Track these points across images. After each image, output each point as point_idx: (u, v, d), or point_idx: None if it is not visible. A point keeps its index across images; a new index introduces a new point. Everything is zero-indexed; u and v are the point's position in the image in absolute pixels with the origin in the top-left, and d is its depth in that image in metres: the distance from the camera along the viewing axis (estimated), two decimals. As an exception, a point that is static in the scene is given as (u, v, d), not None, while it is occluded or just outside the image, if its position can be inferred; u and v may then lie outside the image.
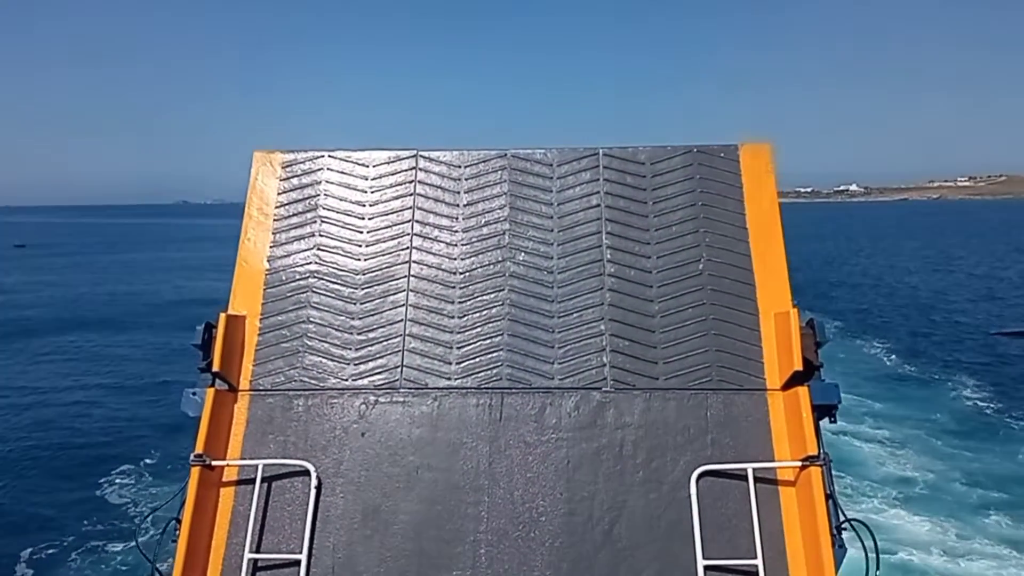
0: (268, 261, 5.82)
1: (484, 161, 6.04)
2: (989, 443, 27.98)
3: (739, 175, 5.77)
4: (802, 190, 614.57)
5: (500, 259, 5.70)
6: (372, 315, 5.55)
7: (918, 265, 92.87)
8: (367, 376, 5.39)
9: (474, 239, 5.80)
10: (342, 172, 6.09)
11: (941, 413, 31.56)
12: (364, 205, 5.96)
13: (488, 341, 5.45)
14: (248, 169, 6.23)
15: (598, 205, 5.79)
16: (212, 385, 5.31)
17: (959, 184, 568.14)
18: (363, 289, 5.65)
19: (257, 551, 4.89)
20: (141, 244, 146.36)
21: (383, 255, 5.77)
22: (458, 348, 5.44)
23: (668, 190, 5.78)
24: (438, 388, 5.34)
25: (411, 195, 5.96)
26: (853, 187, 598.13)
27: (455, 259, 5.73)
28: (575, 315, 5.45)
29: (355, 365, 5.42)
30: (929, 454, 26.92)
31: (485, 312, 5.55)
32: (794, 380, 4.94)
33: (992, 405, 32.76)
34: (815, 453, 4.64)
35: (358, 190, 6.02)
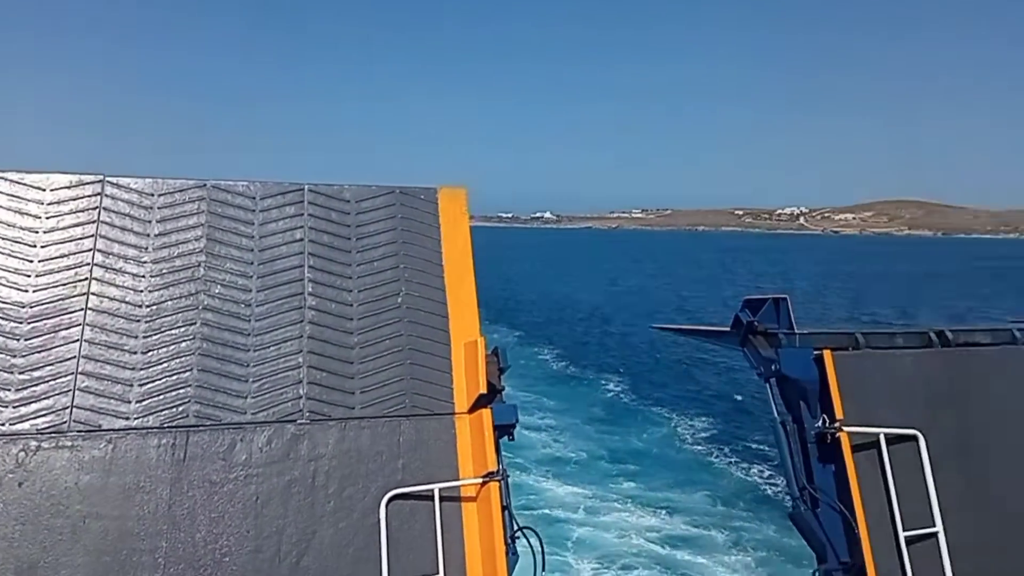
0: None
1: (181, 191, 5.83)
2: (627, 426, 34.05)
3: (437, 216, 5.96)
4: (503, 215, 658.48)
5: (193, 291, 5.51)
6: (39, 352, 5.12)
7: (589, 283, 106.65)
8: (28, 419, 4.96)
9: (165, 271, 5.55)
10: (12, 196, 5.59)
11: (594, 405, 37.64)
12: (37, 232, 5.50)
13: (175, 377, 5.21)
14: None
15: (301, 239, 5.75)
16: None
17: (634, 216, 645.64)
18: (29, 324, 5.21)
19: None
20: None
21: (56, 287, 5.34)
22: (140, 385, 5.16)
23: (371, 227, 5.87)
24: (113, 429, 5.01)
25: (94, 223, 5.59)
26: (547, 215, 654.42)
27: (142, 291, 5.45)
28: (272, 348, 5.33)
29: (14, 408, 4.97)
30: (583, 438, 32.10)
31: (173, 347, 5.30)
32: (479, 403, 5.13)
33: (631, 396, 39.77)
34: (495, 469, 4.87)
35: (30, 215, 5.54)
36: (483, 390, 5.06)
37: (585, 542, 21.94)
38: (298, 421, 5.15)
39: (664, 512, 24.33)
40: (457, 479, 5.01)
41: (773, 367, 5.64)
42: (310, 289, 5.59)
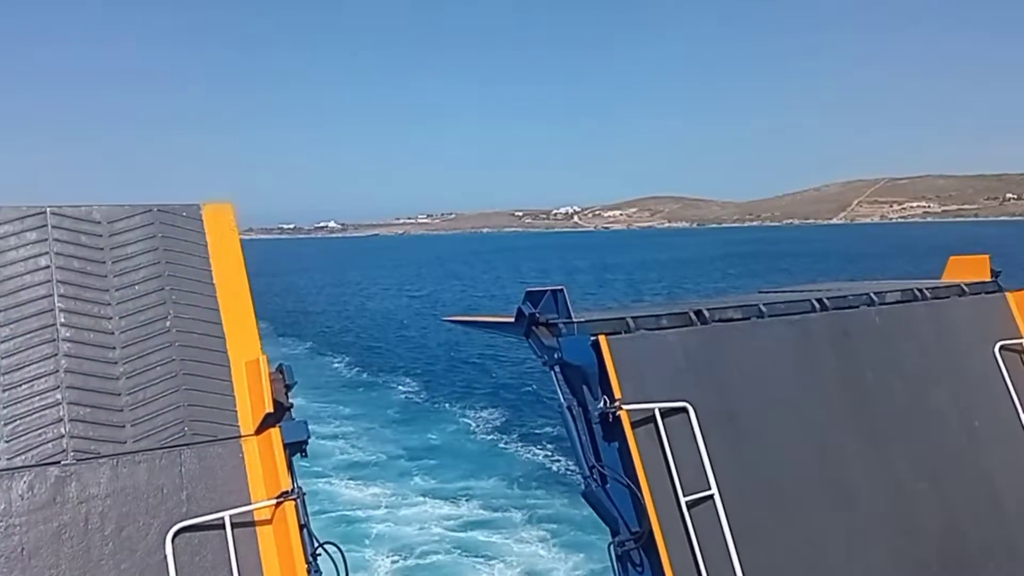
0: None
1: None
2: (422, 424, 35.03)
3: (203, 233, 5.64)
4: (285, 226, 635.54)
5: None
6: None
7: (378, 289, 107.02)
8: None
9: None
10: None
11: (389, 407, 38.22)
12: None
13: None
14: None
15: (47, 267, 5.23)
16: None
17: (419, 221, 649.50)
18: None
19: None
20: None
21: None
22: None
23: (129, 249, 5.44)
24: None
25: None
26: (332, 223, 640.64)
27: None
28: (24, 387, 4.89)
29: None
30: (380, 440, 32.57)
31: None
32: (266, 423, 4.96)
33: (425, 395, 40.94)
34: (289, 489, 4.74)
35: None
36: (269, 409, 4.85)
37: (385, 536, 22.65)
38: (62, 463, 4.75)
39: (462, 500, 25.61)
40: (249, 503, 4.79)
41: (555, 355, 5.83)
42: (63, 320, 5.13)
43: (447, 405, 38.48)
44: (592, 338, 5.72)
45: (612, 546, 5.46)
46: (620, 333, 5.96)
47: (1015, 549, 6.74)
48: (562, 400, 5.78)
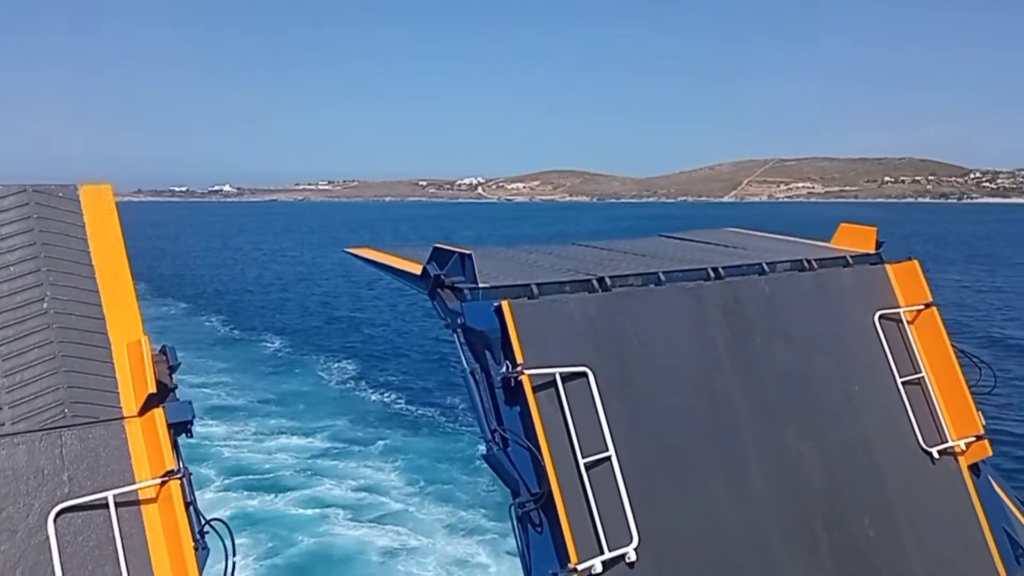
0: None
1: None
2: (289, 373, 37.86)
3: (80, 214, 5.54)
4: (177, 189, 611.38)
5: None
6: None
7: (260, 256, 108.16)
8: None
9: None
10: None
11: (257, 360, 40.98)
12: None
13: None
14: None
15: None
16: None
17: (320, 187, 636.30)
18: None
19: None
20: None
21: None
22: None
23: (3, 230, 5.34)
24: None
25: None
26: (227, 187, 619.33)
27: None
28: None
29: None
30: (249, 387, 35.15)
31: None
32: (150, 404, 4.94)
33: (289, 348, 44.04)
34: (174, 468, 4.73)
35: None
36: (152, 390, 4.85)
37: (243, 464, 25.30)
38: None
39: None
40: (133, 483, 4.78)
41: (459, 320, 5.86)
42: None
43: (308, 357, 41.61)
44: (496, 304, 5.77)
45: (513, 507, 5.55)
46: (524, 299, 6.03)
47: (889, 504, 6.99)
48: (465, 365, 5.83)
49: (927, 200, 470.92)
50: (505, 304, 5.71)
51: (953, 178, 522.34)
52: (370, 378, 37.00)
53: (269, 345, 45.05)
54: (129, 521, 4.73)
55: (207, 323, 51.41)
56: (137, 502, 4.80)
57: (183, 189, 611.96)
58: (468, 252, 6.01)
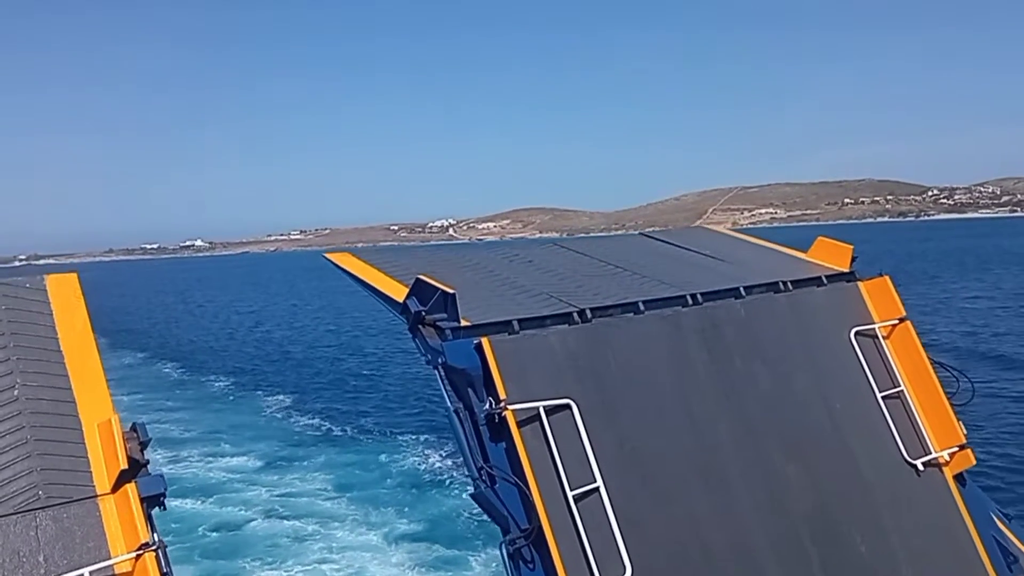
0: None
1: None
2: (235, 406, 42.16)
3: (48, 303, 5.75)
4: (148, 246, 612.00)
5: None
6: None
7: (213, 307, 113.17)
8: None
9: None
10: None
11: (209, 394, 45.67)
12: None
13: None
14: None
15: None
16: None
17: (292, 237, 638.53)
18: None
19: None
20: None
21: None
22: None
23: None
24: None
25: None
26: (199, 242, 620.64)
27: None
28: None
29: None
30: (201, 421, 38.99)
31: None
32: (122, 480, 4.98)
33: (236, 384, 48.66)
34: (148, 540, 4.79)
35: None
36: (124, 466, 4.94)
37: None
38: None
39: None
40: (108, 559, 4.82)
41: (440, 358, 5.81)
42: None
43: (255, 394, 45.81)
44: (476, 341, 5.77)
45: (504, 545, 5.47)
46: (504, 334, 6.04)
47: (878, 519, 7.01)
48: (448, 404, 5.80)
49: (886, 219, 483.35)
50: (485, 341, 5.73)
51: (912, 196, 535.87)
52: (305, 407, 41.33)
53: (216, 382, 49.46)
54: None
55: (166, 372, 55.73)
56: None
57: (154, 246, 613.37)
58: (452, 291, 5.95)
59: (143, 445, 5.22)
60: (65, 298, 5.89)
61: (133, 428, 5.29)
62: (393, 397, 44.38)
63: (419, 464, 31.33)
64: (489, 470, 5.54)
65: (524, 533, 5.40)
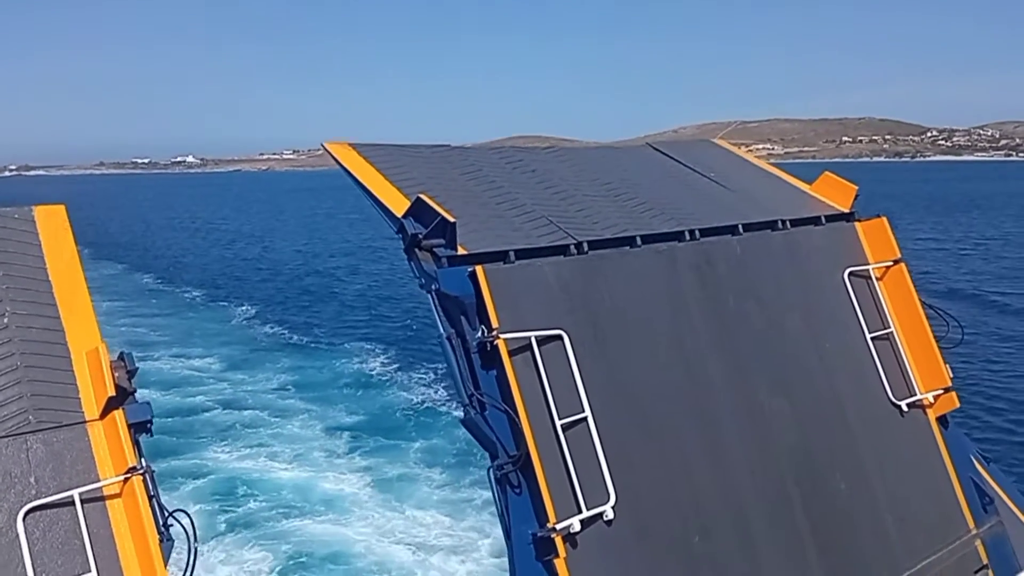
0: None
1: None
2: (208, 313, 44.28)
3: (36, 234, 5.79)
4: (140, 161, 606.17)
5: None
6: None
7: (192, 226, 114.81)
8: None
9: None
10: None
11: (184, 302, 48.68)
12: None
13: None
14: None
15: None
16: None
17: (285, 157, 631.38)
18: None
19: None
20: None
21: None
22: None
23: None
24: None
25: None
26: (190, 158, 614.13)
27: None
28: None
29: None
30: (174, 327, 41.49)
31: None
32: (110, 407, 5.07)
33: (208, 295, 50.95)
34: (136, 465, 4.88)
35: None
36: (112, 393, 5.00)
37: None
38: None
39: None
40: (97, 481, 4.92)
41: (433, 284, 5.78)
42: None
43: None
44: (470, 269, 5.74)
45: (491, 470, 5.52)
46: (499, 263, 5.99)
47: (860, 458, 7.14)
48: (441, 330, 5.78)
49: (882, 159, 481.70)
50: (479, 269, 5.72)
51: (910, 136, 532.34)
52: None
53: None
54: (95, 517, 4.86)
55: (143, 279, 59.00)
56: (102, 498, 4.93)
57: (146, 161, 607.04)
58: (453, 220, 5.82)
59: (130, 373, 5.27)
60: (53, 229, 5.93)
61: (121, 357, 5.33)
62: (347, 309, 47.32)
63: (365, 367, 34.37)
64: (479, 397, 5.57)
65: (512, 459, 5.45)
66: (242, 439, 25.62)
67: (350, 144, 7.10)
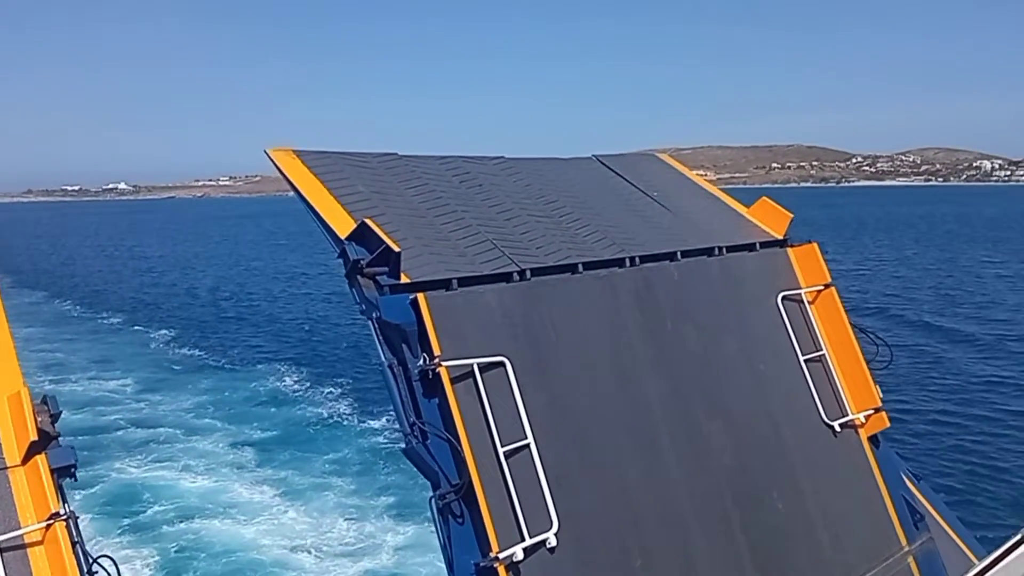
0: None
1: None
2: (128, 338, 44.71)
3: None
4: (69, 188, 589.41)
5: None
6: None
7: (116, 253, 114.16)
8: None
9: None
10: None
11: (105, 327, 48.85)
12: None
13: None
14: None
15: None
16: None
17: (221, 183, 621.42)
18: None
19: None
20: None
21: None
22: None
23: None
24: None
25: None
26: (122, 185, 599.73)
27: None
28: None
29: None
30: (91, 350, 41.90)
31: None
32: (32, 451, 4.94)
33: (128, 320, 51.57)
34: (59, 511, 4.78)
35: None
36: (34, 438, 4.88)
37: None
38: None
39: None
40: (19, 528, 4.79)
41: (374, 312, 5.70)
42: None
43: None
44: (412, 297, 5.68)
45: (433, 499, 5.45)
46: (441, 290, 5.94)
47: (795, 478, 7.25)
48: (382, 358, 5.68)
49: (809, 184, 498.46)
50: (421, 298, 5.65)
51: (836, 163, 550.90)
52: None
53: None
54: (15, 565, 4.73)
55: (64, 306, 59.11)
56: (23, 546, 4.80)
57: (76, 188, 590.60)
58: (398, 250, 5.72)
59: (54, 417, 5.14)
60: None
61: (44, 400, 5.21)
62: (262, 332, 48.68)
63: (280, 385, 35.86)
64: (421, 426, 5.50)
65: (454, 488, 5.40)
66: (152, 453, 26.51)
67: (294, 151, 6.94)
